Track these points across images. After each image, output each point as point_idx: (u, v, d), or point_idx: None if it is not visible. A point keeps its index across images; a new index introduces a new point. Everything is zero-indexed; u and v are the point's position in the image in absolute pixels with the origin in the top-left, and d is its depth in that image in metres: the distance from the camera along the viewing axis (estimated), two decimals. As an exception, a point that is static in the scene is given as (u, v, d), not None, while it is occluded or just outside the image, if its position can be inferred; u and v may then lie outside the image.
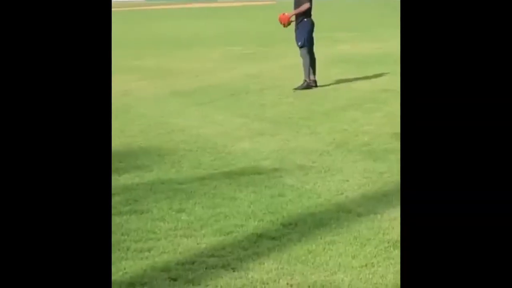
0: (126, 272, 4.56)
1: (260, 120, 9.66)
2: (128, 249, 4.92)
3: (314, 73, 12.39)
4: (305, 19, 12.33)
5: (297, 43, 12.41)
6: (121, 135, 8.84)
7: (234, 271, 4.53)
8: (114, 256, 4.79)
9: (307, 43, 12.28)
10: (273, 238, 5.07)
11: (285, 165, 7.12)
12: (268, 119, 9.68)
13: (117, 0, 66.85)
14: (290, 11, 12.51)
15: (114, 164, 7.30)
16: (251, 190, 6.22)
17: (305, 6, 12.21)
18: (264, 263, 4.64)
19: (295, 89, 12.10)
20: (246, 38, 23.19)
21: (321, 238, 5.02)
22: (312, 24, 12.39)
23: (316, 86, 12.28)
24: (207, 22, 33.11)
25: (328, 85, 12.64)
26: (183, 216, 5.59)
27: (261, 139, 8.39)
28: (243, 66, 15.56)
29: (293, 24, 12.48)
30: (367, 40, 21.52)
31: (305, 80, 12.26)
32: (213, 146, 8.05)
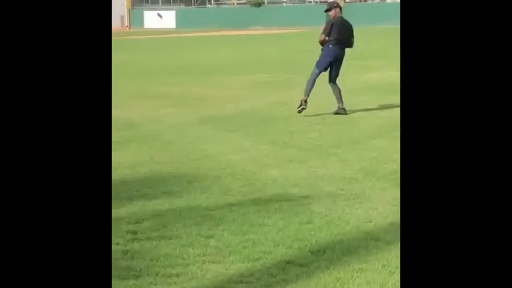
0: (155, 297, 4.58)
1: (288, 147, 9.68)
2: (157, 275, 4.94)
3: (307, 94, 12.50)
4: (328, 45, 12.60)
5: (323, 70, 12.67)
6: (151, 161, 8.89)
7: (262, 298, 4.54)
8: (144, 280, 4.82)
9: (319, 65, 12.57)
10: (301, 265, 5.07)
11: (313, 192, 7.13)
12: (297, 146, 9.70)
13: (149, 27, 67.44)
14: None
15: (144, 190, 7.36)
16: (280, 217, 6.23)
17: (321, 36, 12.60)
18: (292, 290, 4.64)
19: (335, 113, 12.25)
20: (275, 65, 23.24)
21: (349, 266, 5.01)
22: (329, 50, 12.55)
23: (305, 108, 12.36)
24: (236, 49, 33.28)
25: (357, 112, 12.65)
26: (212, 242, 5.61)
27: (289, 166, 8.41)
28: (271, 94, 15.61)
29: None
30: (396, 68, 21.47)
31: (339, 107, 12.39)
32: (242, 173, 8.07)
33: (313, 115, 12.37)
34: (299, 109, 12.28)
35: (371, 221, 6.08)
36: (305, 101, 12.34)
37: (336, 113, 12.34)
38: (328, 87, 12.69)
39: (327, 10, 12.92)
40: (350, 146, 9.59)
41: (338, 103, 12.45)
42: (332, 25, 12.54)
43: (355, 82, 16.18)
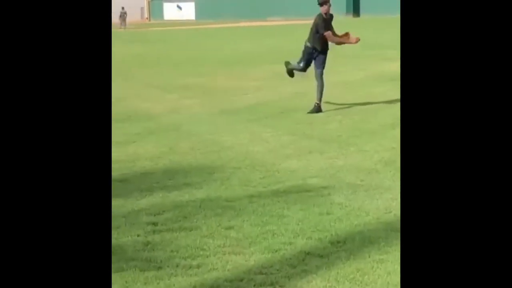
0: (175, 288, 4.60)
1: (308, 138, 9.68)
2: (177, 266, 4.97)
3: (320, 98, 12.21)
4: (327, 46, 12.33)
5: (321, 68, 12.23)
6: (171, 153, 8.92)
7: (282, 289, 4.55)
8: (164, 272, 4.85)
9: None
10: (321, 256, 5.07)
11: (333, 183, 7.12)
12: (317, 137, 9.69)
13: (168, 18, 67.51)
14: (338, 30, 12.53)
15: (164, 181, 7.39)
16: (300, 208, 6.24)
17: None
18: (312, 281, 4.65)
19: (308, 112, 11.87)
20: (294, 56, 23.25)
21: (369, 257, 5.01)
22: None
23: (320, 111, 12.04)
24: (255, 40, 33.26)
25: (376, 103, 12.62)
26: (232, 233, 5.62)
27: (309, 157, 8.41)
28: (291, 84, 15.59)
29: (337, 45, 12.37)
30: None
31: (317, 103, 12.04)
32: (261, 164, 8.08)
33: (332, 106, 12.35)
34: (315, 112, 11.95)
35: (391, 212, 6.07)
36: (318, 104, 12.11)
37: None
38: (314, 82, 12.40)
39: (320, 4, 12.46)
40: (370, 136, 9.57)
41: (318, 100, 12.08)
42: (325, 22, 12.19)
43: (374, 72, 16.12)
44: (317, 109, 11.92)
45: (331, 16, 12.40)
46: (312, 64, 12.29)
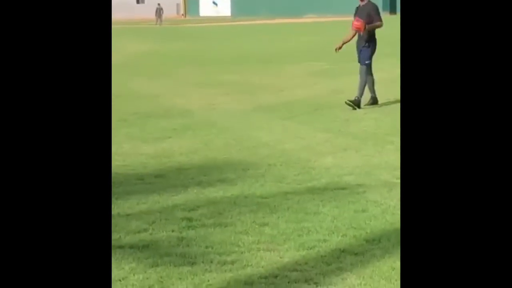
0: (210, 284, 4.61)
1: (343, 135, 9.64)
2: (212, 262, 4.97)
3: (373, 90, 12.12)
4: (373, 38, 12.06)
5: (361, 61, 12.03)
6: (206, 149, 8.94)
7: (316, 286, 4.53)
8: (198, 268, 4.86)
9: (369, 61, 11.97)
10: (356, 254, 5.05)
11: (369, 180, 7.08)
12: (352, 135, 9.65)
13: (204, 15, 67.72)
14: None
15: (199, 177, 7.40)
16: (335, 205, 6.21)
17: (379, 23, 11.95)
18: (347, 279, 4.63)
19: (349, 103, 11.77)
20: (330, 53, 23.17)
21: (405, 255, 4.97)
22: (376, 43, 12.14)
23: (377, 103, 12.07)
24: (291, 37, 33.22)
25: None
26: (266, 230, 5.61)
27: (344, 155, 8.37)
28: (326, 82, 15.56)
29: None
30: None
31: (357, 97, 11.88)
32: (296, 161, 8.06)
33: (368, 103, 12.29)
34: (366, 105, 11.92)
35: (427, 210, 6.02)
36: (372, 97, 12.08)
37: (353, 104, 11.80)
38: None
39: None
40: (406, 134, 9.49)
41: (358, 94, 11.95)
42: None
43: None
44: (373, 101, 12.01)
45: (370, 5, 11.99)
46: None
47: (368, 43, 11.97)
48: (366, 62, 11.95)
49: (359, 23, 11.88)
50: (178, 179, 7.33)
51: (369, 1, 12.08)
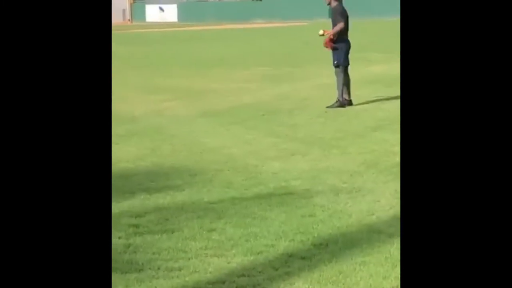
0: (157, 291, 4.57)
1: (290, 140, 9.67)
2: (159, 268, 4.94)
3: (348, 92, 12.40)
4: (343, 39, 12.40)
5: (333, 62, 12.44)
6: (152, 155, 8.89)
7: (264, 291, 4.53)
8: (145, 274, 4.82)
9: (343, 62, 12.33)
10: (304, 258, 5.06)
11: (316, 185, 7.11)
12: (299, 139, 9.69)
13: (150, 20, 67.38)
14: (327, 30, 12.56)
15: (146, 183, 7.35)
16: (282, 210, 6.22)
17: (340, 25, 12.24)
18: (294, 283, 4.64)
19: (328, 107, 12.12)
20: (277, 58, 23.24)
21: (352, 259, 5.00)
22: (349, 44, 12.45)
23: (351, 104, 12.30)
24: (238, 42, 33.26)
25: (359, 105, 12.62)
26: (214, 236, 5.60)
27: (291, 159, 8.40)
28: (273, 87, 15.59)
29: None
30: (397, 61, 21.40)
31: (338, 99, 12.28)
32: (244, 166, 8.06)
33: (315, 108, 12.35)
34: (345, 105, 12.23)
35: (373, 214, 6.07)
36: (350, 100, 12.33)
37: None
38: (333, 79, 12.63)
39: (329, 4, 12.71)
40: (352, 139, 9.57)
41: (338, 96, 12.38)
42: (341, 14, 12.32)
43: (357, 75, 16.15)
44: (341, 104, 12.25)
45: (336, 7, 12.45)
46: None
47: (339, 44, 12.36)
48: (334, 62, 12.37)
49: (324, 42, 12.51)
50: (125, 185, 7.27)
51: (338, 3, 12.43)
